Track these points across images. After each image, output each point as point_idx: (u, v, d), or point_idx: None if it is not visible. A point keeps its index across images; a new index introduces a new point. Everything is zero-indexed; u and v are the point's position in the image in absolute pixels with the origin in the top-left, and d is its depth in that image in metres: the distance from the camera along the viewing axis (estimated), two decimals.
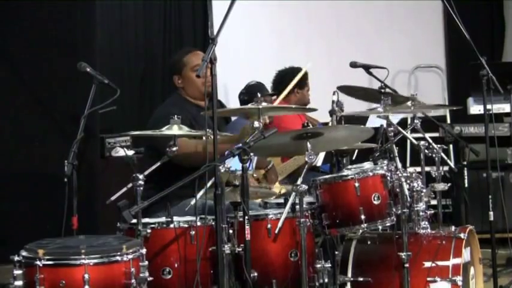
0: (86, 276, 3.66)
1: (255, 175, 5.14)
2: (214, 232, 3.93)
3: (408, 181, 4.60)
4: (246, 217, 4.13)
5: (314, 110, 5.39)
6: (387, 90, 4.97)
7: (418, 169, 4.99)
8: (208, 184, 4.07)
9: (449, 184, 5.10)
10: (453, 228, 4.77)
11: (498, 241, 5.02)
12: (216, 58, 3.85)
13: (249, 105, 4.49)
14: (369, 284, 4.57)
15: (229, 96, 7.45)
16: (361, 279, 4.58)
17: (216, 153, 3.88)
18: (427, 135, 5.11)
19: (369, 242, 4.73)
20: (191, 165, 4.40)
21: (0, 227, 5.56)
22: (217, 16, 3.90)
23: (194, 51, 5.40)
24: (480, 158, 5.75)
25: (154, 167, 4.46)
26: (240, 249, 4.16)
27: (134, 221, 4.17)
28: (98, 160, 6.57)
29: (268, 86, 7.16)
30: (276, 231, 4.36)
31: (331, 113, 5.08)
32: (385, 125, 4.86)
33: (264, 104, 4.39)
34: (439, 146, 5.06)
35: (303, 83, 7.23)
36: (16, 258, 3.76)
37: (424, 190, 4.72)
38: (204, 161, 3.91)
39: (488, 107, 5.05)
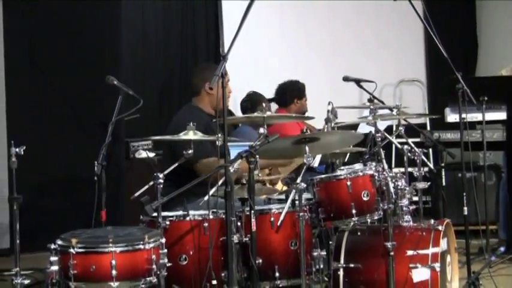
0: (113, 262, 3.68)
1: (260, 175, 5.15)
2: (225, 224, 3.94)
3: (393, 180, 4.60)
4: (252, 211, 4.13)
5: (311, 118, 5.41)
6: (375, 101, 4.98)
7: (402, 170, 4.99)
8: (220, 182, 4.08)
9: (429, 183, 5.08)
10: (432, 221, 4.76)
11: (471, 233, 5.02)
12: (227, 73, 3.85)
13: (255, 114, 4.50)
14: (359, 269, 4.56)
15: (237, 106, 7.45)
16: (352, 265, 4.57)
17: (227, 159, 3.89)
18: (410, 140, 5.10)
19: (359, 233, 4.72)
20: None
21: (39, 220, 5.58)
22: (228, 35, 3.90)
23: None
24: (456, 160, 5.74)
25: (172, 167, 4.46)
26: (247, 239, 4.16)
27: (155, 214, 4.19)
28: (123, 161, 6.58)
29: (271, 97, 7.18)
30: (278, 224, 4.36)
31: (326, 120, 5.09)
32: (373, 132, 4.87)
33: (269, 112, 4.40)
34: (420, 149, 5.05)
35: (302, 94, 7.22)
36: (52, 246, 3.79)
37: (407, 188, 4.71)
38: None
39: (463, 116, 5.05)
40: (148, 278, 3.80)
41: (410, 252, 4.49)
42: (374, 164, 4.71)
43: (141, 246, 3.79)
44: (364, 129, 6.16)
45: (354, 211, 4.53)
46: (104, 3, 6.80)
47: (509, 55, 7.48)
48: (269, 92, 7.20)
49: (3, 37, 6.34)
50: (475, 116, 6.44)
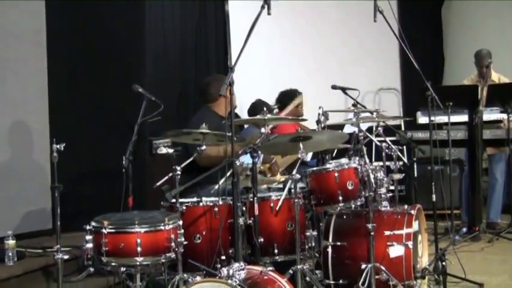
0: (139, 240, 3.69)
1: (262, 167, 5.14)
2: (232, 209, 3.93)
3: (373, 172, 4.60)
4: (255, 198, 4.14)
5: (305, 120, 5.40)
6: (358, 105, 4.97)
7: (381, 163, 4.98)
8: (228, 174, 4.08)
9: (403, 174, 5.09)
10: (406, 206, 4.77)
11: (438, 216, 5.02)
12: (234, 82, 3.84)
13: (258, 116, 4.49)
14: (344, 247, 4.56)
15: (243, 110, 7.43)
16: (339, 243, 4.57)
17: (234, 152, 3.87)
18: (387, 139, 5.10)
19: (344, 217, 4.72)
20: (210, 165, 4.37)
21: (76, 205, 5.57)
22: (235, 50, 3.88)
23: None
24: (426, 156, 5.73)
25: (188, 161, 4.45)
26: (251, 221, 4.17)
27: (174, 200, 4.19)
28: (147, 156, 6.58)
29: (272, 102, 7.16)
30: (277, 209, 4.37)
31: (317, 122, 5.09)
32: (356, 131, 4.86)
33: (269, 115, 4.39)
34: (395, 146, 5.05)
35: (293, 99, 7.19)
36: (88, 227, 3.79)
37: (385, 179, 4.72)
38: (220, 161, 3.94)
39: (432, 118, 5.04)
40: (168, 254, 3.81)
41: (387, 232, 4.49)
42: (357, 158, 4.71)
43: (162, 227, 3.79)
44: (349, 129, 6.15)
45: (340, 198, 4.53)
46: (130, 27, 6.83)
47: (470, 67, 7.48)
48: (269, 99, 7.17)
49: (47, 50, 6.35)
50: (442, 119, 6.46)
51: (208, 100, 5.40)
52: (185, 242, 3.95)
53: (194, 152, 4.41)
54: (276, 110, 6.53)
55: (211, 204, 4.31)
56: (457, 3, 10.10)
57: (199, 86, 7.83)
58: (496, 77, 7.29)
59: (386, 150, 4.98)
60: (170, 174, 4.24)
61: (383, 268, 4.36)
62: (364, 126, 5.01)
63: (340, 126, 6.47)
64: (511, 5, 9.49)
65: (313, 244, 4.49)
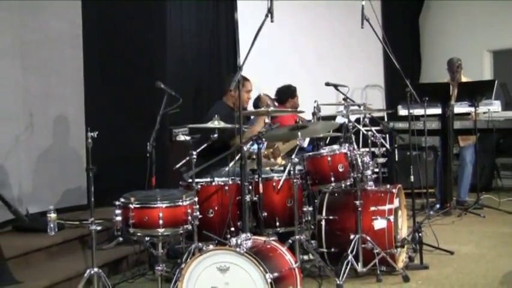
0: (161, 214, 3.69)
1: (265, 152, 5.12)
2: (240, 187, 3.92)
3: (361, 156, 4.58)
4: (260, 178, 4.12)
5: (302, 112, 5.38)
6: (348, 100, 4.94)
7: (367, 149, 4.95)
8: (237, 157, 4.06)
9: (386, 159, 5.07)
10: (388, 186, 4.75)
11: (416, 194, 5.00)
12: (241, 79, 3.82)
13: (262, 109, 4.47)
14: (336, 220, 4.56)
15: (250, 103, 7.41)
16: (331, 217, 4.56)
17: (243, 139, 3.86)
18: (373, 128, 5.07)
19: (336, 194, 4.70)
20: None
21: (107, 184, 5.56)
22: (243, 51, 3.86)
23: (247, 79, 5.38)
24: (405, 143, 5.71)
25: (203, 146, 4.44)
26: (256, 198, 4.16)
27: (190, 180, 4.17)
28: (167, 142, 6.59)
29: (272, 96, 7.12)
30: (279, 187, 4.36)
31: (313, 114, 5.07)
32: (346, 122, 4.84)
33: (272, 108, 4.37)
34: (379, 135, 5.03)
35: (294, 94, 7.12)
36: (117, 202, 3.80)
37: (371, 162, 4.70)
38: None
39: (411, 111, 5.01)
40: (185, 226, 3.81)
41: (372, 208, 4.48)
42: (347, 145, 4.69)
43: (180, 203, 3.78)
44: (340, 120, 6.12)
45: (332, 178, 4.53)
46: (154, 31, 6.81)
47: (443, 67, 7.46)
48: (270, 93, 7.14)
49: (83, 52, 6.34)
50: (419, 111, 6.41)
51: (223, 92, 5.40)
52: (200, 216, 3.95)
53: (208, 140, 4.41)
54: (276, 104, 6.54)
55: (223, 183, 4.30)
56: (433, 11, 10.10)
57: (212, 83, 7.87)
58: (465, 80, 7.28)
59: (372, 138, 4.96)
60: (187, 158, 4.24)
61: (368, 238, 4.35)
62: (352, 117, 4.98)
63: (332, 117, 6.44)
64: (480, 15, 9.49)
65: (309, 218, 4.51)
